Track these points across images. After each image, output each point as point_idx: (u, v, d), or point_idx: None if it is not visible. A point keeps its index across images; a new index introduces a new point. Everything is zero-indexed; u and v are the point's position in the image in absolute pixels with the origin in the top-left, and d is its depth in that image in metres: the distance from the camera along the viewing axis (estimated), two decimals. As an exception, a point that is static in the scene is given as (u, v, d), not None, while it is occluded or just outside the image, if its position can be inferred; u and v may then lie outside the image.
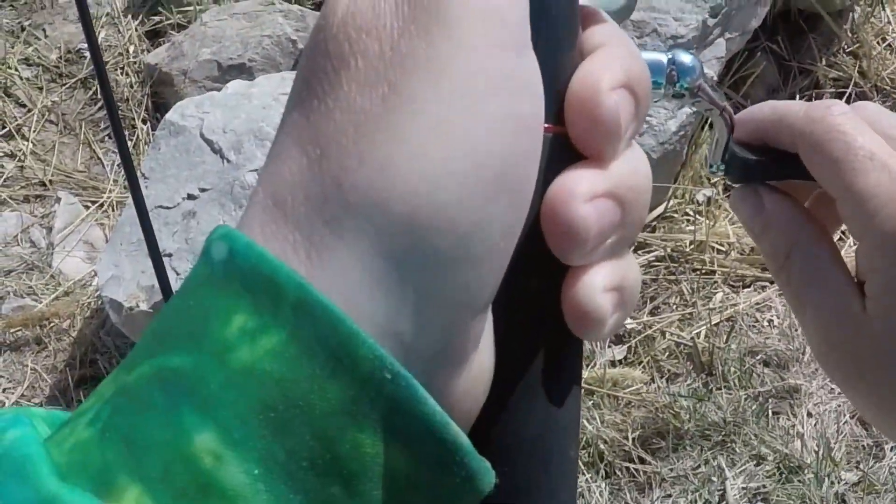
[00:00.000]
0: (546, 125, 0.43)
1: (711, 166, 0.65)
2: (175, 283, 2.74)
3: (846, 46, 3.48)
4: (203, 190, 2.92)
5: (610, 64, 0.45)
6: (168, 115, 3.10)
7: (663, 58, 0.54)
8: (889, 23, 3.56)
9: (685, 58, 0.54)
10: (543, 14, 0.44)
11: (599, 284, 0.45)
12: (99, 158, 3.67)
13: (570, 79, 0.45)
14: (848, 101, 3.03)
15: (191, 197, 2.93)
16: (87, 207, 3.49)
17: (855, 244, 0.61)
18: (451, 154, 0.39)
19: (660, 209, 3.08)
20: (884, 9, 3.57)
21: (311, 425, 0.37)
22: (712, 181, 3.16)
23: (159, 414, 0.38)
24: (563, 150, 0.45)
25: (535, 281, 0.46)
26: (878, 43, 3.51)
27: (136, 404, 0.38)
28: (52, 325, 3.20)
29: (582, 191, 0.44)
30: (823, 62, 3.46)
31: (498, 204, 0.40)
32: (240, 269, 0.39)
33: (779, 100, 0.67)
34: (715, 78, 3.08)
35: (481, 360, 0.44)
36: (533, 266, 0.45)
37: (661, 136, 2.90)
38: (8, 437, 0.39)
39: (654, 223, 3.08)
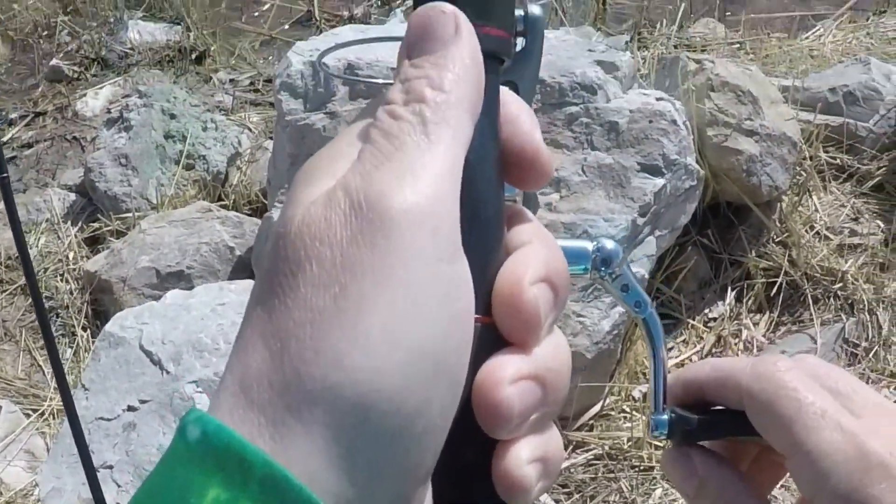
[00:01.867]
0: (476, 316, 0.49)
1: (655, 429, 0.67)
2: (115, 496, 2.74)
3: (775, 236, 3.56)
4: (143, 401, 2.94)
5: (531, 261, 0.52)
6: (107, 327, 3.13)
7: (588, 245, 0.61)
8: (816, 210, 3.65)
9: (608, 244, 0.61)
10: (473, 220, 0.51)
11: (525, 457, 0.51)
12: (39, 366, 3.67)
13: (496, 274, 0.52)
14: (779, 291, 3.03)
15: (131, 409, 2.94)
16: (27, 416, 3.48)
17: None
18: (395, 348, 0.45)
19: (596, 408, 3.10)
20: (811, 197, 3.67)
21: None
22: (648, 376, 3.18)
23: None
24: (491, 338, 0.51)
25: (469, 453, 0.51)
26: (806, 231, 3.60)
27: None
28: (-7, 535, 3.16)
29: (507, 375, 0.50)
30: (754, 253, 3.53)
31: (436, 388, 0.46)
32: (213, 448, 0.44)
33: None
34: (646, 275, 3.12)
35: None
36: (467, 440, 0.50)
37: (595, 336, 2.93)
38: None
39: (592, 422, 3.10)
